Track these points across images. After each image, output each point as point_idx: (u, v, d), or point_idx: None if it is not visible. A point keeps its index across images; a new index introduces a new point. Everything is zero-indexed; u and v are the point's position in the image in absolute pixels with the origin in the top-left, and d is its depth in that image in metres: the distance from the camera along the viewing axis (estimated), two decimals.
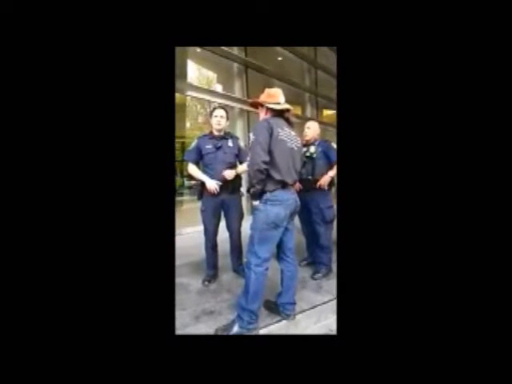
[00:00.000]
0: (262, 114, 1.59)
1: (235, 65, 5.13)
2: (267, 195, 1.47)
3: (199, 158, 2.13)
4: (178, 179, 6.80)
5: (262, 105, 1.58)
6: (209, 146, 2.09)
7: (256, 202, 1.49)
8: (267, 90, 1.60)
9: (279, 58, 6.60)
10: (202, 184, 2.11)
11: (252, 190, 1.47)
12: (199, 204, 2.17)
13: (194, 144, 2.15)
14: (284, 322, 1.59)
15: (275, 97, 1.57)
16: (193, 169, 2.12)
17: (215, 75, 6.68)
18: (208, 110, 7.50)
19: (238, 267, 2.28)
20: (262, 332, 1.49)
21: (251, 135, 1.46)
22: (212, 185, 2.03)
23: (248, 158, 1.46)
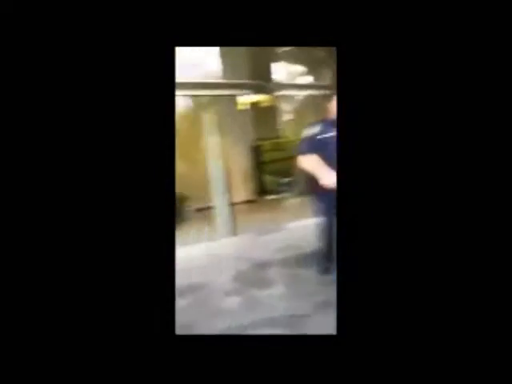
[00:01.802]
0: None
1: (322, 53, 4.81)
2: None
3: (320, 149, 1.73)
4: (276, 179, 6.54)
5: None
6: (331, 134, 1.67)
7: None
8: None
9: None
10: (312, 179, 1.75)
11: None
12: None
13: (313, 131, 1.75)
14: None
15: None
16: (310, 160, 1.70)
17: (305, 69, 6.44)
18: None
19: None
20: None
21: None
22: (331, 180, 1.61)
23: None
